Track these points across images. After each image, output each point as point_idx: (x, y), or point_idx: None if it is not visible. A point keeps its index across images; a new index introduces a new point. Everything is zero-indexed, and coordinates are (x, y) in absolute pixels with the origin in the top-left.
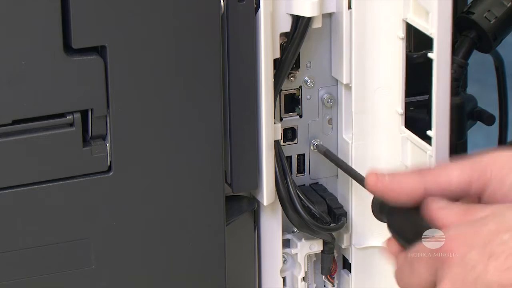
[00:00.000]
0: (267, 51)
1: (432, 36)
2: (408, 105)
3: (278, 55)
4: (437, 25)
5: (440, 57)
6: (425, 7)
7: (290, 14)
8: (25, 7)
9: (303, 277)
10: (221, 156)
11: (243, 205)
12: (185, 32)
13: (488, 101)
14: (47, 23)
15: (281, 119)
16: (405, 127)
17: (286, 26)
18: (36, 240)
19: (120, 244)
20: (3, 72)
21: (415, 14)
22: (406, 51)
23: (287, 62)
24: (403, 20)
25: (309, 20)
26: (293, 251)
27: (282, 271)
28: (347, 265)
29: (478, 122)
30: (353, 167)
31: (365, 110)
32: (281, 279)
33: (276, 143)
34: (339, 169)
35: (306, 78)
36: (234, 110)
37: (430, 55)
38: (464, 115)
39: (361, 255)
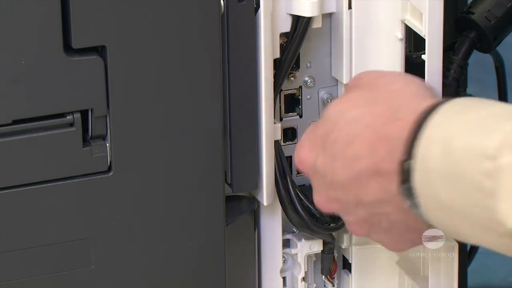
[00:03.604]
0: (267, 51)
1: (425, 37)
2: None
3: (278, 55)
4: (428, 26)
5: (431, 58)
6: (418, 8)
7: (290, 14)
8: (25, 7)
9: (303, 277)
10: (221, 156)
11: (243, 205)
12: (185, 32)
13: None
14: (47, 23)
15: (281, 119)
16: None
17: (286, 26)
18: (36, 240)
19: (120, 244)
20: (3, 72)
21: (412, 15)
22: (406, 51)
23: (287, 62)
24: (401, 21)
25: (309, 20)
26: (293, 251)
27: (282, 271)
28: (347, 265)
29: None
30: None
31: None
32: (281, 279)
33: (276, 143)
34: None
35: (306, 78)
36: (234, 110)
37: (423, 56)
38: None
39: (361, 255)
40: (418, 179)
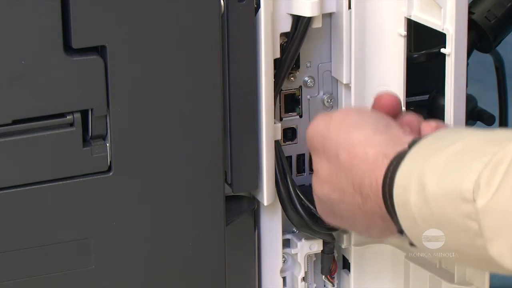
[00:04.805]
0: (267, 51)
1: (444, 31)
2: (408, 105)
3: (278, 55)
4: (455, 20)
5: (457, 52)
6: (437, 2)
7: (290, 14)
8: (25, 7)
9: (303, 277)
10: (221, 156)
11: (243, 205)
12: (185, 32)
13: (488, 101)
14: (47, 23)
15: (281, 119)
16: None
17: (286, 26)
18: (36, 240)
19: (120, 244)
20: (3, 72)
21: (422, 11)
22: (406, 51)
23: (287, 62)
24: (406, 17)
25: (309, 20)
26: (293, 251)
27: (282, 271)
28: (347, 265)
29: (478, 122)
30: None
31: None
32: (281, 279)
33: (276, 143)
34: None
35: (306, 78)
36: (234, 110)
37: (443, 50)
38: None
39: (361, 255)
40: (405, 225)
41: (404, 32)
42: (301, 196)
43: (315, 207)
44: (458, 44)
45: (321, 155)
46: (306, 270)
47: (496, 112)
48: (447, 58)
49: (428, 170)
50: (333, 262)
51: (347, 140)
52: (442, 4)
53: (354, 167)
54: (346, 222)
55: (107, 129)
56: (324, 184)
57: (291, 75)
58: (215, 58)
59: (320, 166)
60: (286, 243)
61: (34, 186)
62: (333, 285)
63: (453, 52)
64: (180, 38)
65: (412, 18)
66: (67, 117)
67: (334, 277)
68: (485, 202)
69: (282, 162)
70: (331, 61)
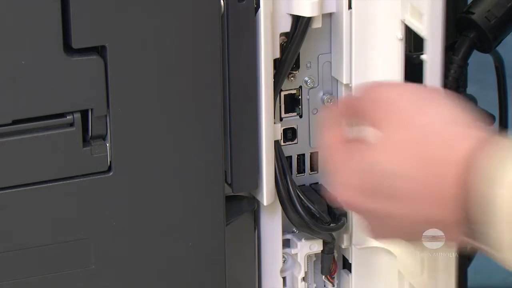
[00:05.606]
0: (267, 51)
1: (425, 37)
2: None
3: (278, 55)
4: (428, 26)
5: (432, 59)
6: (418, 8)
7: (290, 14)
8: (25, 7)
9: (303, 277)
10: (221, 156)
11: (243, 205)
12: (185, 32)
13: (488, 101)
14: (47, 23)
15: (281, 119)
16: None
17: (286, 26)
18: (36, 240)
19: (120, 244)
20: (3, 72)
21: (412, 15)
22: (406, 51)
23: (287, 62)
24: (401, 21)
25: (309, 20)
26: (293, 251)
27: (282, 271)
28: (347, 265)
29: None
30: None
31: None
32: (281, 279)
33: (276, 143)
34: None
35: (306, 78)
36: (234, 110)
37: (422, 57)
38: None
39: (361, 255)
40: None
41: (401, 36)
42: (301, 196)
43: (315, 207)
44: (433, 50)
45: (387, 123)
46: (306, 270)
47: (496, 112)
48: (424, 64)
49: None
50: (333, 262)
51: (423, 115)
52: (423, 10)
53: (429, 141)
54: (404, 205)
55: (107, 129)
56: (392, 154)
57: (291, 75)
58: (215, 58)
59: (390, 133)
60: (286, 243)
61: (34, 186)
62: (333, 285)
63: (427, 58)
64: (180, 38)
65: (405, 22)
66: (67, 117)
67: (334, 277)
68: None
69: (282, 162)
70: (331, 61)
